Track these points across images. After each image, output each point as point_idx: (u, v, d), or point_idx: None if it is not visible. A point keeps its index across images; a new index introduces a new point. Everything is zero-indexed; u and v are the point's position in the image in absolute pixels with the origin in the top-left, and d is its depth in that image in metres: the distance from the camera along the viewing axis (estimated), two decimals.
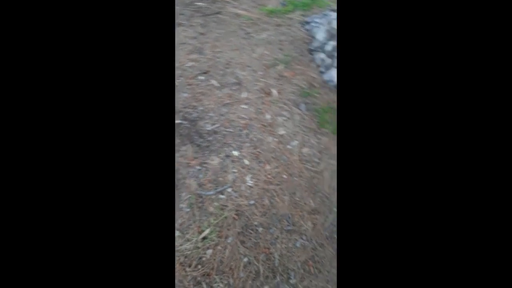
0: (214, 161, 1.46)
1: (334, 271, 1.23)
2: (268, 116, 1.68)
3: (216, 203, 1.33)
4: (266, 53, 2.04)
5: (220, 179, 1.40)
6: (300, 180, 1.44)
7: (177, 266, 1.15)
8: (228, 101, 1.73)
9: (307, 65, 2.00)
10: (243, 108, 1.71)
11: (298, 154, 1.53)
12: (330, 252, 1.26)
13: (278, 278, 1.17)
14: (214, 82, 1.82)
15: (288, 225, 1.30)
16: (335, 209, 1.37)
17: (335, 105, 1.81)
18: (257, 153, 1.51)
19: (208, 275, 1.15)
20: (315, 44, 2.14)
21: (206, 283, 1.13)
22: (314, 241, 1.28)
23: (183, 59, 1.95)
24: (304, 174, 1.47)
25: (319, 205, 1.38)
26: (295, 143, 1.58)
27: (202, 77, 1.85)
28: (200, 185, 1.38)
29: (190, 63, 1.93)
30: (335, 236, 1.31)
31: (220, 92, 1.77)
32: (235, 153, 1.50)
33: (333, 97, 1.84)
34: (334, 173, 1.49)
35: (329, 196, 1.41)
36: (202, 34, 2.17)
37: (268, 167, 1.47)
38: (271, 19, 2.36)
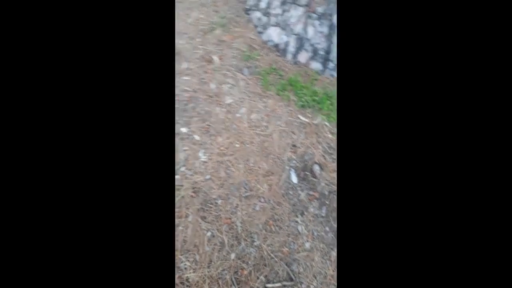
0: None
1: (293, 224, 1.14)
2: (212, 86, 1.39)
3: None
4: (202, 17, 1.63)
5: None
6: (252, 146, 1.25)
7: None
8: None
9: (245, 26, 1.66)
10: (185, 79, 1.38)
11: (247, 121, 1.31)
12: (287, 208, 1.15)
13: (242, 244, 1.04)
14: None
15: (246, 192, 1.14)
16: (287, 167, 1.24)
17: (276, 65, 1.56)
18: (207, 126, 1.26)
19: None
20: (250, 3, 1.77)
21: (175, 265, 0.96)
22: (272, 201, 1.15)
23: None
24: (255, 139, 1.27)
25: (272, 166, 1.22)
26: (243, 110, 1.34)
27: None
28: None
29: None
30: (290, 192, 1.19)
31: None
32: (183, 129, 1.23)
33: (274, 57, 1.58)
34: (282, 133, 1.32)
35: (280, 156, 1.26)
36: None
37: (220, 139, 1.24)
38: None
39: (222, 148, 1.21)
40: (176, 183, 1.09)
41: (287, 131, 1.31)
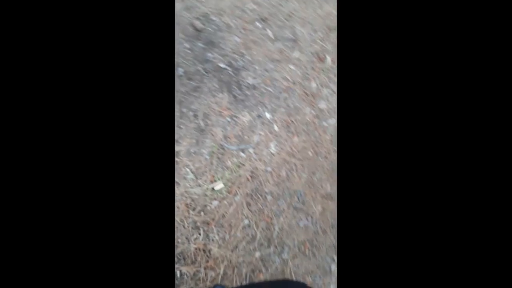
0: (245, 117, 1.21)
1: (328, 259, 1.04)
2: (313, 85, 1.32)
3: (235, 159, 1.12)
4: (333, 13, 1.54)
5: (246, 137, 1.17)
6: (325, 162, 1.16)
7: (182, 206, 1.02)
8: (277, 57, 1.37)
9: None
10: (291, 68, 1.35)
11: (331, 134, 1.21)
12: (330, 240, 1.05)
13: (271, 249, 1.00)
14: (269, 32, 1.44)
15: (297, 202, 1.08)
16: None
17: None
18: (290, 121, 1.22)
19: (207, 223, 1.02)
20: None
21: (204, 231, 1.00)
22: (318, 226, 1.06)
23: None
24: (330, 156, 1.17)
25: (335, 192, 1.12)
26: (332, 121, 1.25)
27: (259, 24, 1.46)
28: (225, 137, 1.16)
29: (252, 6, 1.53)
30: None
31: (272, 46, 1.40)
32: (268, 115, 1.22)
33: None
34: None
35: None
36: None
37: (296, 139, 1.19)
38: None
39: (294, 149, 1.16)
40: (240, 160, 1.11)
41: None
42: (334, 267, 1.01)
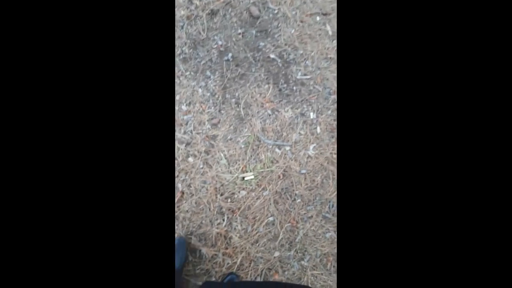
0: (287, 113, 1.16)
1: None
2: None
3: (269, 154, 1.09)
4: None
5: (284, 134, 1.13)
6: None
7: (211, 190, 1.03)
8: (332, 55, 1.29)
9: None
10: None
11: None
12: None
13: (291, 253, 0.97)
14: (328, 28, 1.36)
15: (327, 212, 1.02)
16: None
17: None
18: (334, 126, 1.15)
19: (233, 211, 1.01)
20: None
21: (228, 217, 1.00)
22: None
23: None
24: None
25: None
26: None
27: (318, 18, 1.38)
28: (263, 129, 1.13)
29: None
30: None
31: (329, 43, 1.32)
32: (312, 115, 1.16)
33: None
34: None
35: None
36: None
37: (337, 146, 1.12)
38: None
39: (334, 155, 1.09)
40: (275, 156, 1.08)
41: None
42: None
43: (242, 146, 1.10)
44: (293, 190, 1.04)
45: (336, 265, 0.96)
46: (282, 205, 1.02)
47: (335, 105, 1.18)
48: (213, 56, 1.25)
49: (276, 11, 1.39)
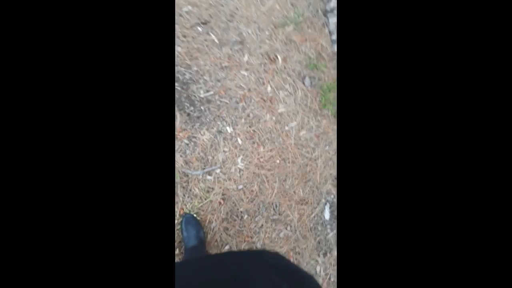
0: (205, 135, 1.14)
1: (312, 262, 1.08)
2: (269, 89, 1.30)
3: (202, 185, 1.06)
4: (277, 8, 1.50)
5: (209, 157, 1.11)
6: (293, 167, 1.17)
7: None
8: (227, 64, 1.30)
9: (319, 30, 1.52)
10: (243, 75, 1.30)
11: (294, 138, 1.22)
12: (311, 243, 1.09)
13: None
14: (213, 37, 1.34)
15: (274, 214, 1.09)
16: (323, 201, 1.16)
17: None
18: (252, 132, 1.19)
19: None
20: (332, 5, 1.60)
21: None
22: (298, 232, 1.09)
23: (180, 0, 1.40)
24: (297, 160, 1.19)
25: (308, 195, 1.15)
26: (293, 124, 1.25)
27: (200, 29, 1.35)
28: (187, 162, 1.08)
29: (188, 7, 1.40)
30: (319, 227, 1.12)
31: (219, 51, 1.32)
32: (229, 129, 1.17)
33: None
34: (328, 161, 1.23)
35: (319, 186, 1.17)
36: None
37: (261, 149, 1.17)
38: None
39: (262, 159, 1.15)
40: (208, 184, 1.06)
41: (334, 160, 1.21)
42: (319, 268, 1.07)
43: None
44: (238, 209, 1.06)
45: (297, 258, 1.06)
46: (232, 228, 1.03)
47: (246, 111, 1.22)
48: None
49: None
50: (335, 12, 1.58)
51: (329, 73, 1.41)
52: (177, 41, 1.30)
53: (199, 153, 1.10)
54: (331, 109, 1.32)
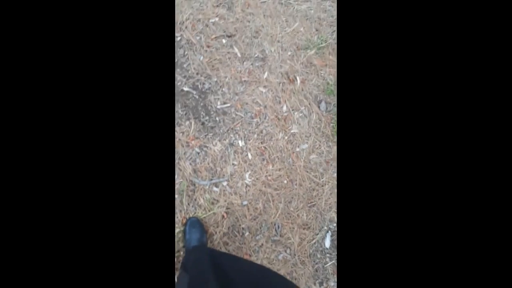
0: (216, 146, 1.15)
1: None
2: (284, 108, 1.32)
3: (208, 196, 1.06)
4: (301, 30, 1.55)
5: (218, 169, 1.11)
6: (300, 189, 1.17)
7: None
8: (246, 79, 1.32)
9: None
10: (261, 91, 1.32)
11: (304, 160, 1.23)
12: (309, 271, 1.07)
13: None
14: (236, 50, 1.38)
15: (275, 235, 1.08)
16: (326, 228, 1.15)
17: None
18: (263, 148, 1.20)
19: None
20: None
21: (177, 278, 0.94)
22: (297, 257, 1.08)
23: (208, 10, 1.45)
24: (305, 183, 1.19)
25: (311, 220, 1.14)
26: (305, 146, 1.26)
27: (224, 41, 1.39)
28: (196, 171, 1.09)
29: (215, 19, 1.44)
30: (318, 255, 1.11)
31: (241, 65, 1.35)
32: (241, 143, 1.18)
33: None
34: (335, 188, 1.22)
35: (323, 213, 1.17)
36: None
37: (270, 167, 1.18)
38: None
39: (269, 177, 1.15)
40: (214, 196, 1.06)
41: None
42: None
43: (176, 196, 1.03)
44: (240, 225, 1.05)
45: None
46: (232, 244, 1.02)
47: (259, 127, 1.23)
48: None
49: (179, 38, 1.32)
50: None
51: None
52: (200, 50, 1.33)
53: (208, 163, 1.11)
54: None
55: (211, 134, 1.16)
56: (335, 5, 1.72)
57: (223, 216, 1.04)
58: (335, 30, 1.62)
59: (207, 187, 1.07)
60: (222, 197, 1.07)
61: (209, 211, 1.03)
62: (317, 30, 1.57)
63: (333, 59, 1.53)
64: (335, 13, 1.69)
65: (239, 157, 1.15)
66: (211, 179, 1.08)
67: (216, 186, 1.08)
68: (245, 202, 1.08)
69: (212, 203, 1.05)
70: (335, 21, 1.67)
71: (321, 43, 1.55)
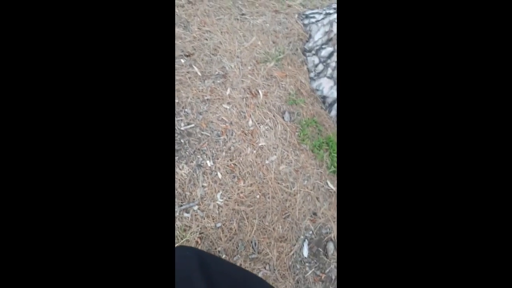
0: (183, 170, 1.12)
1: None
2: (250, 122, 1.33)
3: (178, 223, 1.02)
4: (259, 44, 1.59)
5: (187, 193, 1.08)
6: (273, 202, 1.19)
7: None
8: (209, 97, 1.32)
9: (298, 67, 1.62)
10: (225, 108, 1.32)
11: (274, 172, 1.25)
12: (290, 283, 1.08)
13: None
14: (196, 69, 1.37)
15: (253, 253, 1.07)
16: (302, 237, 1.17)
17: (318, 118, 1.51)
18: (233, 165, 1.19)
19: None
20: (310, 45, 1.73)
21: None
22: (277, 272, 1.08)
23: None
24: (277, 195, 1.21)
25: (287, 232, 1.15)
26: (274, 158, 1.28)
27: (183, 61, 1.37)
28: None
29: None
30: (297, 265, 1.12)
31: (202, 84, 1.34)
32: (209, 163, 1.16)
33: (318, 109, 1.53)
34: (307, 196, 1.26)
35: (298, 222, 1.19)
36: (190, 2, 1.60)
37: (242, 183, 1.17)
38: (269, 1, 1.84)
39: (242, 195, 1.15)
40: (185, 223, 1.02)
41: (312, 196, 1.25)
42: None
43: None
44: (215, 248, 1.02)
45: None
46: None
47: (227, 144, 1.23)
48: None
49: None
50: (313, 51, 1.70)
51: (307, 108, 1.49)
52: None
53: (176, 189, 1.07)
54: (309, 144, 1.38)
55: (177, 157, 1.13)
56: (289, 17, 1.80)
57: (197, 242, 1.01)
58: (291, 41, 1.70)
59: (177, 214, 1.03)
60: (194, 222, 1.03)
61: (181, 239, 0.99)
62: (274, 43, 1.63)
63: (291, 69, 1.59)
64: (289, 25, 1.77)
65: (209, 178, 1.13)
66: (181, 205, 1.04)
67: (187, 212, 1.05)
68: (218, 224, 1.06)
69: (184, 230, 1.01)
70: (290, 32, 1.74)
71: (279, 55, 1.61)
